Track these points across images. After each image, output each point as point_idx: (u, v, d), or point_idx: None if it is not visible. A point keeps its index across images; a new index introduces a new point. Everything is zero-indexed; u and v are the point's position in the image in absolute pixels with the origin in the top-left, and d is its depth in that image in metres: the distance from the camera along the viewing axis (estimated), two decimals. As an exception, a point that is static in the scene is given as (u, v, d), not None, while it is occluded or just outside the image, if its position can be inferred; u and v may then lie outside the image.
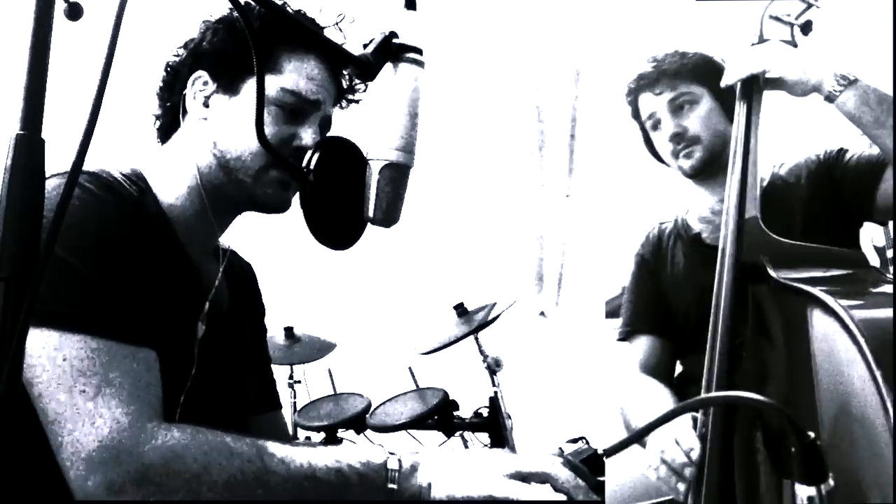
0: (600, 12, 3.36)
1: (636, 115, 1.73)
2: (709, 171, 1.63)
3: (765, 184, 1.58)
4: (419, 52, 0.95)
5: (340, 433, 2.82)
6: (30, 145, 0.64)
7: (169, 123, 1.21)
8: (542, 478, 0.96)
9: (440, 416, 2.66)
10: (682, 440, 1.28)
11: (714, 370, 1.28)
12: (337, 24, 1.18)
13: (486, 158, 3.52)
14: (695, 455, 1.25)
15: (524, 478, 0.96)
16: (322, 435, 2.79)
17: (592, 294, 3.48)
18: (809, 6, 1.43)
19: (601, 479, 1.01)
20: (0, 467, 0.61)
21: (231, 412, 1.21)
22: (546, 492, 0.95)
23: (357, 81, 1.24)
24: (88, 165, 0.90)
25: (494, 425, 2.63)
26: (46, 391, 0.90)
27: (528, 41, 3.49)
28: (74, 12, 0.65)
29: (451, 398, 2.73)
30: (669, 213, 1.86)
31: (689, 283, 1.69)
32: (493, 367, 2.65)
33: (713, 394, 1.28)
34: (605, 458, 0.79)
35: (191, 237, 1.16)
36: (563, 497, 0.94)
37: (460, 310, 2.76)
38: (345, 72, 1.22)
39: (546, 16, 3.44)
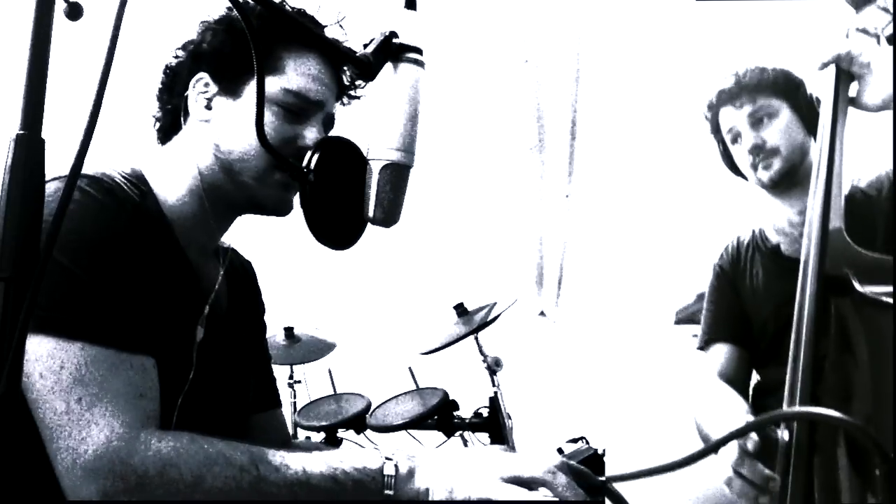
0: (600, 12, 3.36)
1: (716, 129, 1.77)
2: (787, 182, 1.66)
3: (845, 195, 1.59)
4: (419, 52, 0.95)
5: (340, 433, 2.82)
6: (30, 145, 0.64)
7: (169, 125, 1.20)
8: (539, 484, 0.95)
9: (440, 416, 2.66)
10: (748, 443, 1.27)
11: (797, 383, 1.27)
12: (338, 22, 1.17)
13: (486, 158, 3.52)
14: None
15: (522, 483, 0.95)
16: (322, 435, 2.79)
17: (592, 294, 3.48)
18: None
19: (601, 478, 1.01)
20: (0, 467, 0.61)
21: (228, 415, 1.21)
22: (543, 495, 0.94)
23: (357, 78, 1.23)
24: (89, 166, 0.90)
25: (494, 425, 2.63)
26: (43, 398, 0.90)
27: (529, 41, 3.49)
28: (74, 12, 0.65)
29: (451, 398, 2.73)
30: (669, 214, 1.87)
31: (768, 295, 1.72)
32: (493, 367, 2.65)
33: (796, 409, 1.27)
34: (675, 470, 0.78)
35: (191, 239, 1.16)
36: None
37: (460, 310, 2.76)
38: (345, 68, 1.22)
39: (546, 16, 3.44)
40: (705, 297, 1.89)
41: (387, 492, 0.97)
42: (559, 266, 3.61)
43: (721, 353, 1.79)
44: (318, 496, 0.95)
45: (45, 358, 0.91)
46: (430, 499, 0.96)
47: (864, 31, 1.44)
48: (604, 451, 1.19)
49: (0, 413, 0.60)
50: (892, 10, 1.43)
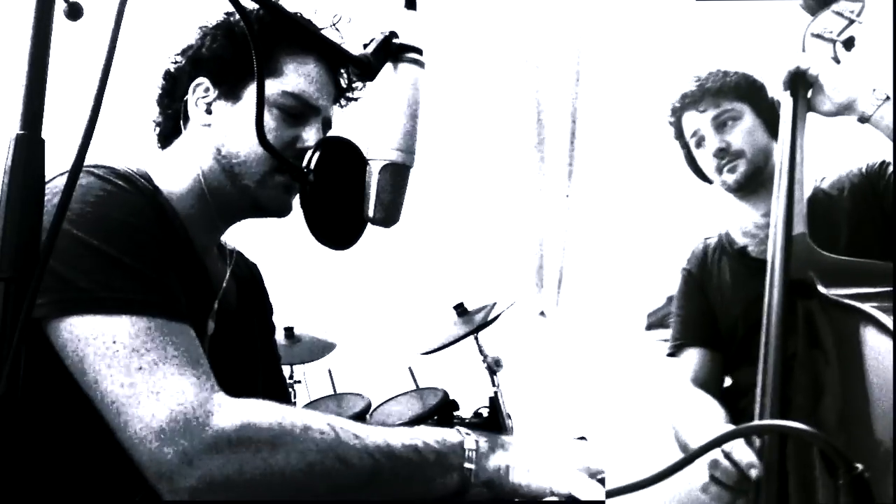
0: (600, 12, 3.37)
1: (679, 134, 1.78)
2: (752, 185, 1.67)
3: (807, 197, 1.61)
4: (419, 52, 0.95)
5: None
6: (30, 145, 0.64)
7: (170, 130, 1.21)
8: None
9: (440, 416, 2.67)
10: (738, 456, 1.28)
11: (767, 383, 1.29)
12: (334, 24, 1.18)
13: (486, 159, 3.52)
14: (754, 472, 1.25)
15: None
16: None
17: (592, 294, 3.48)
18: (851, 22, 1.46)
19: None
20: (0, 467, 0.61)
21: None
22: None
23: (355, 80, 1.24)
24: (87, 160, 0.90)
25: (494, 425, 2.63)
26: (102, 375, 0.89)
27: (529, 41, 3.49)
28: (74, 12, 0.65)
29: (451, 398, 2.73)
30: (670, 214, 1.88)
31: (736, 296, 1.73)
32: (493, 367, 2.65)
33: (764, 422, 1.28)
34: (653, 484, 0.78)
35: (197, 236, 1.17)
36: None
37: (460, 310, 2.76)
38: (343, 70, 1.22)
39: (546, 16, 3.44)
40: (673, 303, 1.89)
41: (468, 465, 0.95)
42: (559, 266, 3.61)
43: (693, 357, 1.79)
44: (401, 465, 0.93)
45: (97, 336, 0.90)
46: (510, 478, 0.95)
47: (820, 37, 1.47)
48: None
49: (0, 413, 0.60)
50: (846, 15, 1.45)
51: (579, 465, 0.95)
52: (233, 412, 0.89)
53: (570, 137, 3.56)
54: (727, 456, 1.30)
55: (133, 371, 0.89)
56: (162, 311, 0.95)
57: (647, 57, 3.16)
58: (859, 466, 0.69)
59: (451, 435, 0.97)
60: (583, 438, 1.82)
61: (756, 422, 1.31)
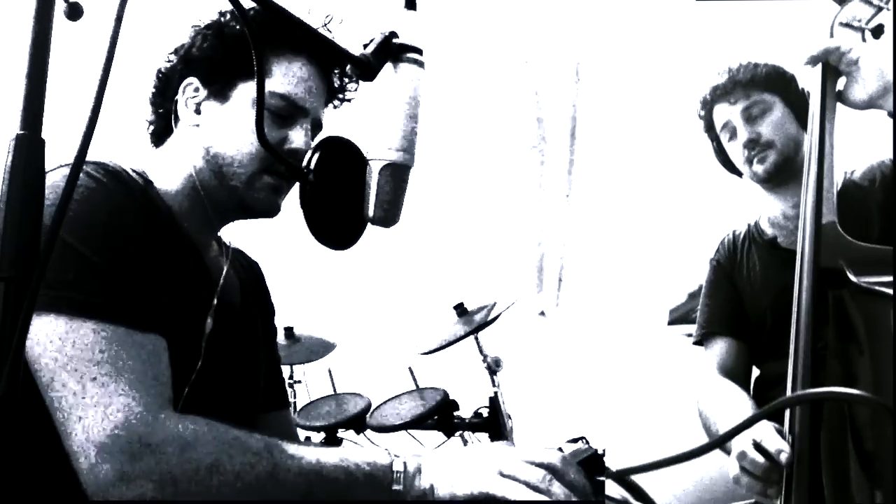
0: (600, 13, 3.36)
1: (709, 127, 1.78)
2: (782, 176, 1.67)
3: (838, 188, 1.61)
4: (419, 52, 0.95)
5: (340, 433, 2.82)
6: (30, 145, 0.64)
7: (162, 129, 1.22)
8: (548, 468, 0.95)
9: (440, 416, 2.66)
10: (767, 443, 1.28)
11: (798, 373, 1.28)
12: (325, 24, 1.18)
13: (486, 159, 3.52)
14: (784, 457, 1.25)
15: (519, 478, 0.95)
16: (322, 435, 2.79)
17: (592, 294, 3.48)
18: (880, 10, 1.45)
19: (601, 479, 1.01)
20: (0, 467, 0.61)
21: (236, 409, 1.21)
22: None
23: (348, 81, 1.24)
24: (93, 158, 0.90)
25: (494, 425, 2.63)
26: (56, 378, 0.89)
27: (529, 41, 3.49)
28: (74, 12, 0.65)
29: (451, 398, 2.73)
30: (669, 213, 1.89)
31: (766, 287, 1.74)
32: (493, 367, 2.65)
33: (806, 391, 1.28)
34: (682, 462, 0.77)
35: (193, 230, 1.17)
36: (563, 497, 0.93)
37: (460, 310, 2.76)
38: (335, 71, 1.22)
39: (546, 16, 3.44)
40: (702, 292, 1.89)
41: (395, 487, 0.98)
42: (559, 266, 3.61)
43: (720, 347, 1.79)
44: (331, 486, 0.95)
45: (56, 338, 0.90)
46: (436, 495, 0.97)
47: (849, 26, 1.46)
48: (604, 451, 1.19)
49: (0, 413, 0.60)
50: (875, 2, 1.43)
51: (505, 470, 0.96)
52: (174, 434, 0.90)
53: (570, 137, 3.56)
54: (757, 446, 1.31)
55: (87, 380, 0.89)
56: (127, 319, 0.94)
57: (647, 57, 3.16)
58: None
59: (380, 456, 0.99)
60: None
61: (788, 395, 1.30)
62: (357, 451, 1.02)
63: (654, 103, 3.08)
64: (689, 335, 1.93)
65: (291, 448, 0.97)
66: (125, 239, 0.99)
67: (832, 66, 1.43)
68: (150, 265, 1.01)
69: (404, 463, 0.99)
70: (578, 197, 3.57)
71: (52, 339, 0.90)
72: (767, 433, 1.30)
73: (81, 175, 0.98)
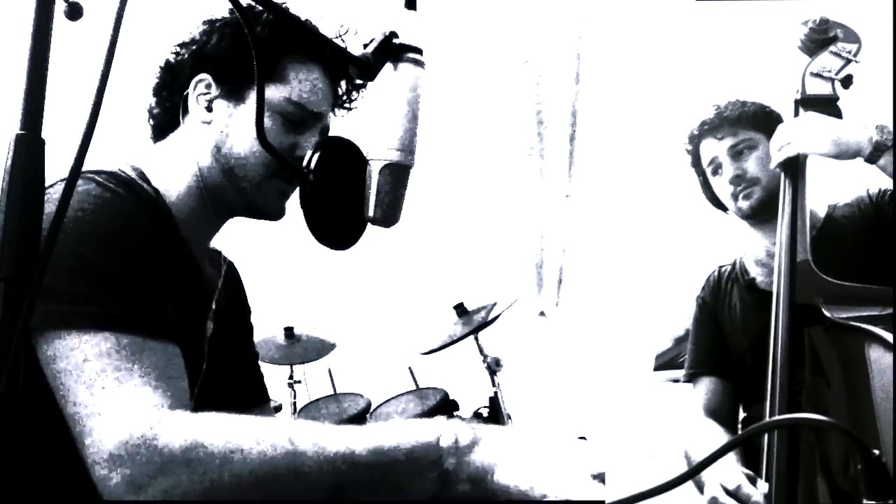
0: (600, 13, 3.37)
1: (696, 162, 1.81)
2: (766, 213, 1.68)
3: (820, 224, 1.64)
4: (419, 52, 0.95)
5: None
6: (30, 145, 0.64)
7: (167, 122, 1.20)
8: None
9: (440, 415, 2.66)
10: (745, 490, 1.32)
11: (776, 405, 1.31)
12: (339, 35, 1.17)
13: (487, 159, 3.53)
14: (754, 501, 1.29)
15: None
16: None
17: (592, 294, 3.48)
18: (849, 62, 1.52)
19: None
20: (0, 467, 0.61)
21: (239, 406, 1.21)
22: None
23: (353, 90, 1.24)
24: (91, 164, 0.90)
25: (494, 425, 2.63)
26: (71, 392, 0.89)
27: (529, 42, 3.49)
28: (74, 12, 0.65)
29: (451, 398, 2.73)
30: (669, 213, 1.89)
31: (745, 327, 1.75)
32: (493, 367, 2.65)
33: (775, 418, 1.31)
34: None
35: (192, 236, 1.17)
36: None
37: (460, 310, 2.76)
38: (343, 80, 1.22)
39: (546, 16, 3.44)
40: (690, 330, 1.92)
41: (446, 463, 0.87)
42: (559, 266, 3.62)
43: (706, 386, 1.81)
44: (364, 472, 0.87)
45: (68, 354, 0.90)
46: (494, 478, 0.86)
47: (819, 76, 1.53)
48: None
49: (0, 413, 0.60)
50: (843, 55, 1.51)
51: (579, 467, 0.86)
52: (181, 432, 0.87)
53: (570, 137, 3.56)
54: (730, 493, 1.34)
55: (97, 391, 0.88)
56: (140, 327, 0.94)
57: (646, 57, 3.16)
58: (876, 452, 0.70)
59: (425, 431, 0.88)
60: (583, 438, 1.82)
61: (766, 420, 1.34)
62: (398, 428, 0.90)
63: (653, 103, 3.09)
64: (676, 380, 1.96)
65: (314, 433, 0.89)
66: (138, 248, 0.99)
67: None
68: (160, 273, 1.01)
69: (456, 435, 0.88)
70: (578, 197, 3.58)
71: (65, 355, 0.90)
72: (744, 480, 1.34)
73: (95, 186, 0.98)
